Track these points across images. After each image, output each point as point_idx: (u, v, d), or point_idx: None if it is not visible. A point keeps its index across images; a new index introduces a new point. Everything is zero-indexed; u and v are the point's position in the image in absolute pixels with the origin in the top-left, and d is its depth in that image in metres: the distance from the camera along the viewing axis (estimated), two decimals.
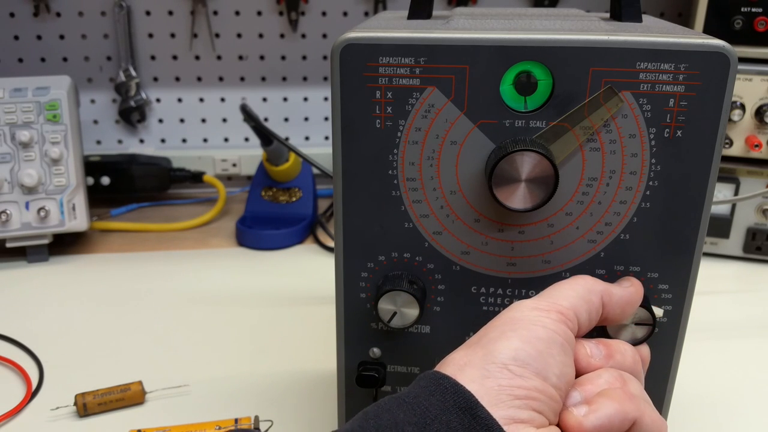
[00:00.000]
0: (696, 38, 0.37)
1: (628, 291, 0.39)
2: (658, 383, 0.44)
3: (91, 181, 0.96)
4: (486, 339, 0.34)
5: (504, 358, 0.33)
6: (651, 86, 0.37)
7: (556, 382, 0.33)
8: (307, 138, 1.09)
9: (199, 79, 1.05)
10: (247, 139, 1.08)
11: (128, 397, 0.57)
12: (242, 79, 1.05)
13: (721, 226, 0.83)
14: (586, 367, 0.36)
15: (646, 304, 0.40)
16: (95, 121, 1.06)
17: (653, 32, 0.38)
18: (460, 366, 0.33)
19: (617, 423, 0.33)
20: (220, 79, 1.05)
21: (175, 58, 1.03)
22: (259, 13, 1.01)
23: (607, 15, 0.50)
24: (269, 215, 0.92)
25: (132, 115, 1.04)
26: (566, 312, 0.36)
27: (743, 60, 0.78)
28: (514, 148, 0.37)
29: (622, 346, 0.37)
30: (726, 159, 0.81)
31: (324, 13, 1.02)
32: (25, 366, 0.62)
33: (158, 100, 1.05)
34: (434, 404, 0.31)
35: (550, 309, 0.35)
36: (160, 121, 1.07)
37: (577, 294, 0.37)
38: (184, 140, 1.08)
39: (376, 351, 0.45)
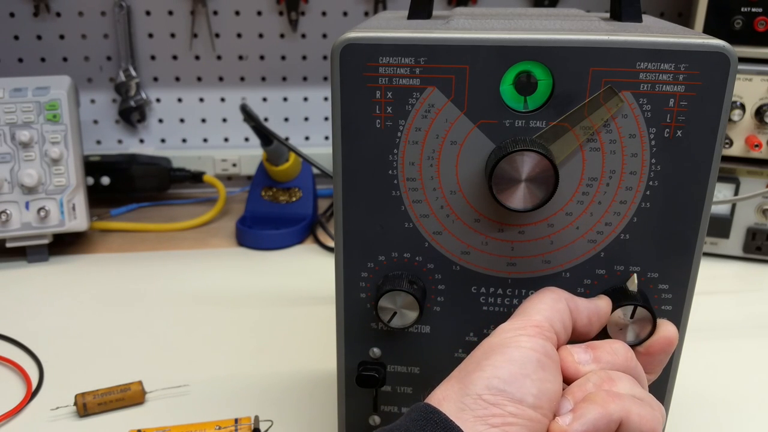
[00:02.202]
0: (696, 38, 0.37)
1: (594, 303, 0.39)
2: (658, 383, 0.44)
3: (91, 181, 0.96)
4: (463, 372, 0.35)
5: (478, 388, 0.33)
6: (651, 86, 0.37)
7: (534, 402, 0.33)
8: (307, 138, 1.09)
9: (199, 79, 1.05)
10: (247, 139, 1.08)
11: (128, 397, 0.57)
12: (242, 79, 1.05)
13: (721, 226, 0.83)
14: (576, 374, 0.36)
15: (645, 303, 0.40)
16: (95, 121, 1.06)
17: (653, 32, 0.38)
18: (439, 401, 0.34)
19: (603, 426, 0.33)
20: (220, 79, 1.05)
21: (175, 58, 1.03)
22: (259, 13, 1.01)
23: (607, 15, 0.50)
24: (269, 215, 0.92)
25: (132, 115, 1.04)
26: (541, 324, 0.36)
27: (743, 60, 0.78)
28: (514, 148, 0.37)
29: (613, 345, 0.37)
30: (726, 159, 0.81)
31: (324, 13, 1.02)
32: (25, 366, 0.62)
33: (158, 100, 1.05)
34: None
35: (525, 325, 0.36)
36: (160, 121, 1.07)
37: (547, 305, 0.37)
38: (184, 140, 1.08)
39: (376, 351, 0.45)
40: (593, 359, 0.36)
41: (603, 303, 0.40)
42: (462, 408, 0.33)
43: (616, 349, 0.37)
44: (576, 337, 0.39)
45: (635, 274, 0.41)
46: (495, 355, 0.34)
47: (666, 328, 0.40)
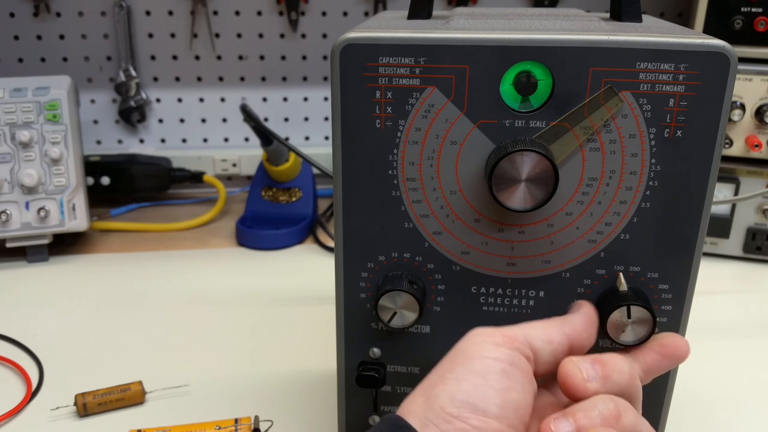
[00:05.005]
0: (696, 38, 0.37)
1: (582, 312, 0.39)
2: (659, 383, 0.44)
3: (91, 181, 0.96)
4: (427, 383, 0.35)
5: (441, 401, 0.33)
6: (651, 86, 0.37)
7: (498, 412, 0.33)
8: (307, 138, 1.09)
9: (199, 79, 1.05)
10: (247, 139, 1.08)
11: (128, 397, 0.57)
12: (242, 79, 1.05)
13: (721, 226, 0.83)
14: (584, 392, 0.35)
15: (640, 300, 0.40)
16: (95, 121, 1.06)
17: (653, 32, 0.38)
18: (405, 414, 0.34)
19: None
20: (220, 79, 1.05)
21: (175, 58, 1.03)
22: (259, 13, 1.01)
23: (607, 15, 0.50)
24: (269, 215, 0.92)
25: (132, 115, 1.04)
26: (514, 335, 0.35)
27: (743, 60, 0.78)
28: (514, 148, 0.37)
29: (619, 363, 0.36)
30: (726, 159, 0.81)
31: (324, 13, 1.02)
32: (25, 366, 0.62)
33: (158, 100, 1.05)
34: None
35: (496, 333, 0.35)
36: (160, 121, 1.07)
37: (535, 327, 0.37)
38: (184, 140, 1.08)
39: (376, 351, 0.45)
40: (602, 377, 0.35)
41: (588, 309, 0.39)
42: (425, 423, 0.33)
43: (622, 368, 0.36)
44: (582, 351, 0.38)
45: (621, 273, 0.41)
46: (458, 367, 0.34)
47: (680, 341, 0.39)
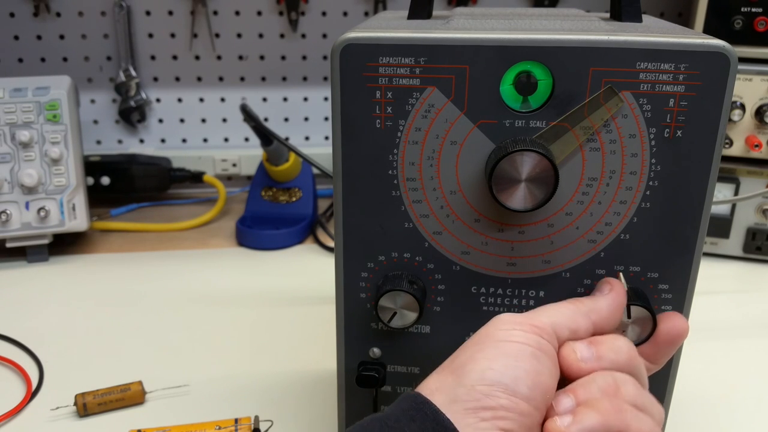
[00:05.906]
0: (696, 38, 0.37)
1: (611, 297, 0.39)
2: (658, 383, 0.44)
3: (91, 181, 0.96)
4: (457, 362, 0.35)
5: (472, 380, 0.33)
6: (651, 86, 0.37)
7: (529, 394, 0.33)
8: (307, 138, 1.09)
9: (199, 79, 1.05)
10: (247, 139, 1.08)
11: (128, 397, 0.57)
12: (242, 79, 1.05)
13: (721, 226, 0.83)
14: (578, 372, 0.35)
15: (640, 300, 0.40)
16: (95, 121, 1.06)
17: (653, 32, 0.38)
18: (431, 391, 0.34)
19: None
20: (220, 79, 1.05)
21: (175, 58, 1.03)
22: (259, 13, 1.01)
23: (607, 15, 0.50)
24: (269, 215, 0.92)
25: (132, 115, 1.04)
26: (542, 326, 0.36)
27: (743, 60, 0.78)
28: (514, 148, 0.37)
29: (617, 342, 0.37)
30: (726, 159, 0.81)
31: (324, 13, 1.02)
32: (25, 366, 0.62)
33: (158, 100, 1.05)
34: (414, 430, 0.32)
35: (524, 322, 0.35)
36: (160, 121, 1.07)
37: (562, 314, 0.37)
38: (184, 140, 1.08)
39: (376, 351, 0.45)
40: (596, 357, 0.36)
41: (618, 293, 0.39)
42: (454, 399, 0.33)
43: (619, 347, 0.36)
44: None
45: (621, 273, 0.41)
46: (488, 348, 0.34)
47: (676, 320, 0.40)
